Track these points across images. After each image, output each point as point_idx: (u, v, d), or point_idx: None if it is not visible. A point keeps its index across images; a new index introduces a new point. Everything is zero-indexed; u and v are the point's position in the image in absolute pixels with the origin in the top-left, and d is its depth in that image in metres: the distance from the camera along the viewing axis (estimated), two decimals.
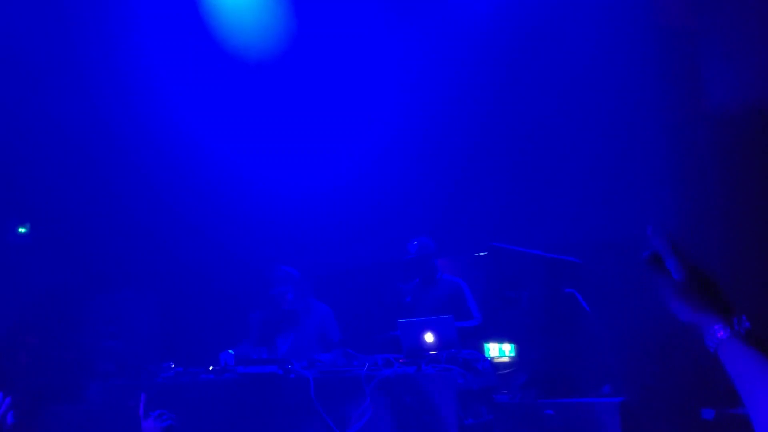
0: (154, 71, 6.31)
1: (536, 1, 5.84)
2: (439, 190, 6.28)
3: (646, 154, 5.38)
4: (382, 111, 6.50)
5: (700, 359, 4.34)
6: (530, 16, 5.85)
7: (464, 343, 4.55)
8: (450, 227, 6.04)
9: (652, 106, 5.32)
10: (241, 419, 4.38)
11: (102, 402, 4.74)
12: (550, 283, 4.42)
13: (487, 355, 4.73)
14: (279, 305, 5.33)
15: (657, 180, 5.29)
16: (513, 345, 4.83)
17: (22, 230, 6.51)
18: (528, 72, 5.92)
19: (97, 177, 6.34)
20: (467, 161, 6.21)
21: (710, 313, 1.30)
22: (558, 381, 4.30)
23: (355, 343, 4.75)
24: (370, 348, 4.68)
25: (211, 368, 4.66)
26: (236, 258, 6.51)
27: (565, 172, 5.76)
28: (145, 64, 6.27)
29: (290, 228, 6.60)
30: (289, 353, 5.03)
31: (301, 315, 5.32)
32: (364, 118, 6.59)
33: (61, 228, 6.36)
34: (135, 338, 5.22)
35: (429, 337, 4.43)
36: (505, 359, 4.86)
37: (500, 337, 4.88)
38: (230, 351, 4.72)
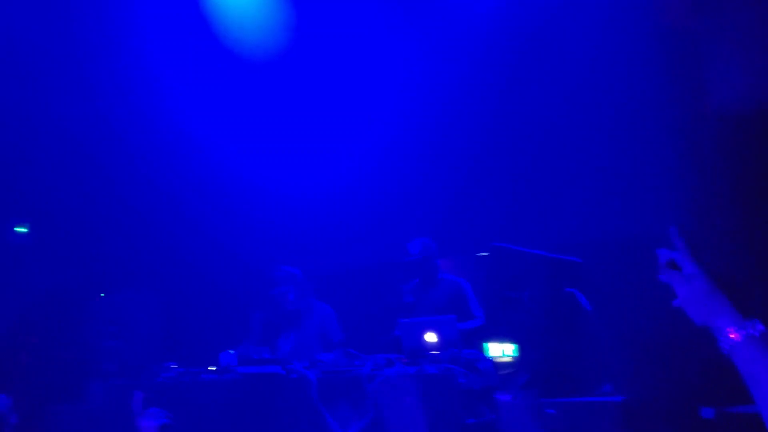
0: (155, 71, 6.31)
1: (539, 1, 5.84)
2: (441, 190, 6.28)
3: (649, 154, 5.38)
4: (383, 111, 6.50)
5: (700, 359, 4.35)
6: (533, 16, 5.85)
7: (466, 343, 4.55)
8: (451, 227, 6.04)
9: (654, 105, 5.32)
10: (243, 419, 4.38)
11: (103, 402, 4.74)
12: (551, 283, 4.42)
13: (488, 355, 4.73)
14: (281, 305, 5.33)
15: (659, 180, 5.29)
16: (514, 345, 4.83)
17: (22, 230, 6.50)
18: (530, 72, 5.92)
19: (98, 176, 6.34)
20: (468, 161, 6.21)
21: (724, 315, 1.36)
22: (559, 380, 4.30)
23: (357, 343, 4.75)
24: (372, 348, 4.68)
25: (212, 368, 4.65)
26: (238, 258, 6.51)
27: (566, 172, 5.77)
28: (146, 63, 6.27)
29: (292, 228, 6.60)
30: (290, 353, 5.04)
31: (302, 315, 5.33)
32: (365, 118, 6.59)
33: (63, 228, 6.36)
34: (136, 338, 5.22)
35: (430, 337, 4.43)
36: (507, 359, 4.86)
37: (501, 337, 4.88)
38: (231, 351, 4.72)
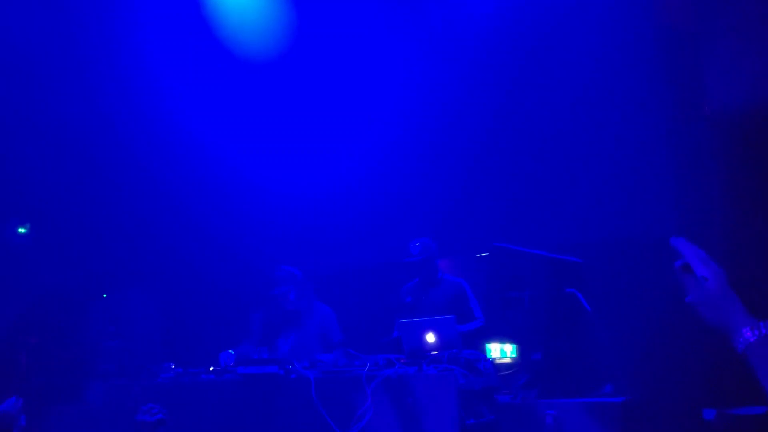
0: (156, 71, 6.31)
1: (540, 3, 5.84)
2: (441, 190, 6.27)
3: (648, 155, 5.38)
4: (384, 112, 6.49)
5: (702, 360, 4.34)
6: (534, 18, 5.85)
7: (466, 344, 4.54)
8: (452, 227, 6.04)
9: (654, 107, 5.32)
10: (242, 419, 4.37)
11: (103, 402, 4.74)
12: (551, 283, 4.42)
13: (488, 356, 4.73)
14: (281, 305, 5.32)
15: (659, 181, 5.29)
16: (515, 345, 4.82)
17: (22, 230, 6.51)
18: (530, 72, 5.92)
19: (98, 177, 6.34)
20: (469, 162, 6.20)
21: (738, 317, 1.40)
22: (559, 381, 4.30)
23: (357, 344, 4.74)
24: (372, 348, 4.67)
25: (211, 369, 4.65)
26: (238, 258, 6.51)
27: (566, 173, 5.76)
28: (147, 64, 6.27)
29: (292, 228, 6.60)
30: (290, 353, 5.03)
31: (302, 315, 5.32)
32: (366, 119, 6.59)
33: (63, 229, 6.36)
34: (136, 338, 5.22)
35: (430, 338, 4.42)
36: (507, 360, 4.86)
37: (502, 338, 4.88)
38: (230, 351, 4.71)
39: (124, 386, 4.65)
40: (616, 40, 5.46)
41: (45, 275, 6.09)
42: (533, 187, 5.93)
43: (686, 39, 5.00)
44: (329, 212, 6.63)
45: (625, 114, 5.52)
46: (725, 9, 4.80)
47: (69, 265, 6.13)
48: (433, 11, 6.23)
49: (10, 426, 2.36)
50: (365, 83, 6.49)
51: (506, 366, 4.77)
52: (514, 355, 4.82)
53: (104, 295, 5.73)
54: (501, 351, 4.87)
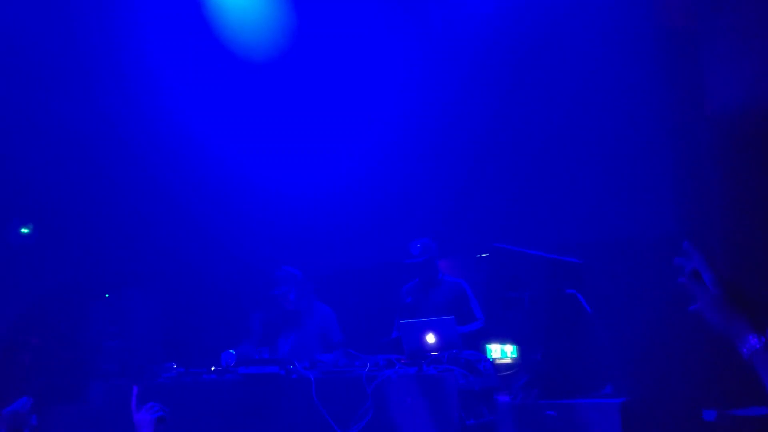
0: (157, 72, 6.33)
1: (540, 3, 5.85)
2: (441, 191, 6.28)
3: (649, 155, 5.38)
4: (384, 112, 6.50)
5: (701, 360, 4.34)
6: (534, 17, 5.85)
7: (466, 344, 4.55)
8: (452, 228, 6.05)
9: (654, 107, 5.32)
10: (243, 419, 4.39)
11: (104, 402, 4.75)
12: (551, 284, 4.42)
13: (488, 356, 4.73)
14: (281, 306, 5.34)
15: (659, 181, 5.29)
16: (515, 346, 4.83)
17: (24, 230, 6.53)
18: (530, 73, 5.93)
19: (99, 177, 6.36)
20: (469, 162, 6.21)
21: (744, 323, 1.45)
22: (559, 382, 4.30)
23: (357, 344, 4.75)
24: (372, 349, 4.68)
25: (213, 368, 4.66)
26: (239, 258, 6.52)
27: (566, 173, 5.77)
28: (148, 64, 6.28)
29: (292, 229, 6.61)
30: (290, 354, 5.04)
31: (302, 316, 5.33)
32: (366, 119, 6.59)
33: (65, 229, 6.38)
34: (137, 338, 5.23)
35: (430, 338, 4.43)
36: (507, 360, 4.86)
37: (502, 338, 4.88)
38: (231, 351, 4.73)
39: (126, 386, 4.66)
40: (616, 40, 5.46)
41: (47, 275, 6.11)
42: (533, 188, 5.93)
43: (686, 39, 5.00)
44: (329, 212, 6.64)
45: (626, 114, 5.52)
46: (725, 8, 4.81)
47: (71, 266, 6.15)
48: (433, 11, 6.23)
49: (22, 426, 2.37)
50: (365, 83, 6.50)
51: (506, 366, 4.77)
52: (514, 356, 4.83)
53: (106, 295, 5.74)
54: (501, 351, 4.88)
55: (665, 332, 4.74)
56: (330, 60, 6.47)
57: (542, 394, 4.32)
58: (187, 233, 6.50)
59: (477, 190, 6.17)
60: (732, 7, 4.79)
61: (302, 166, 6.74)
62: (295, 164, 6.74)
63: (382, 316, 5.39)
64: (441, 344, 4.39)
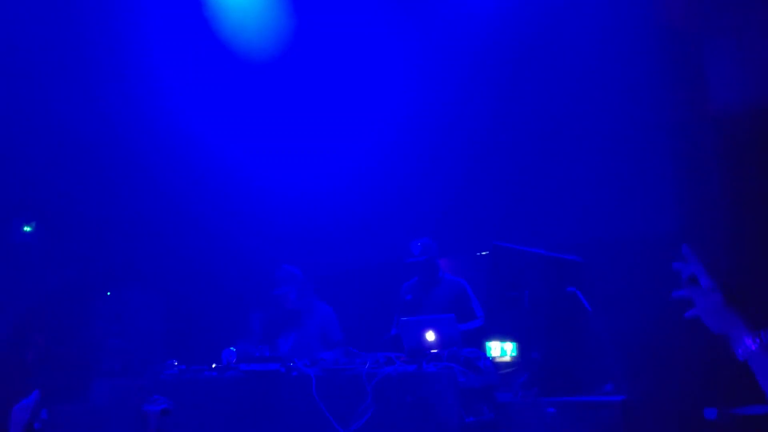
0: (158, 71, 6.35)
1: (540, 2, 5.85)
2: (441, 189, 6.29)
3: (650, 154, 5.38)
4: (384, 110, 6.51)
5: (702, 359, 4.34)
6: (534, 16, 5.86)
7: (466, 342, 4.56)
8: (452, 227, 6.05)
9: (656, 106, 5.32)
10: (244, 417, 4.40)
11: (106, 400, 4.77)
12: (551, 282, 4.42)
13: (488, 354, 4.74)
14: (282, 305, 5.35)
15: (660, 180, 5.29)
16: (515, 344, 4.83)
17: (27, 229, 6.55)
18: (531, 71, 5.93)
19: (101, 176, 6.38)
20: (469, 161, 6.22)
21: (740, 326, 1.50)
22: (559, 379, 4.30)
23: (357, 342, 4.76)
24: (372, 346, 4.69)
25: (214, 366, 4.68)
26: (239, 256, 6.54)
27: (567, 172, 5.77)
28: (149, 64, 6.31)
29: (293, 227, 6.62)
30: (290, 353, 5.05)
31: (303, 315, 5.34)
32: (366, 118, 6.61)
33: (67, 227, 6.40)
34: (139, 336, 5.26)
35: (430, 336, 4.44)
36: (507, 358, 4.87)
37: (502, 336, 4.89)
38: (232, 349, 4.74)
39: (128, 384, 4.69)
40: (617, 40, 5.46)
41: (49, 274, 6.13)
42: (534, 186, 5.94)
43: (687, 38, 5.00)
44: (329, 211, 6.66)
45: (627, 113, 5.52)
46: (727, 8, 4.81)
47: (73, 264, 6.17)
48: (433, 10, 6.24)
49: (32, 420, 2.40)
50: (366, 83, 6.51)
51: (506, 364, 4.77)
52: (514, 354, 4.83)
53: (108, 294, 5.78)
54: (501, 349, 4.88)
55: (666, 330, 4.73)
56: (331, 59, 6.49)
57: (542, 392, 4.32)
58: (188, 232, 6.52)
59: (477, 189, 6.18)
60: (734, 6, 4.79)
61: (303, 165, 6.76)
62: (295, 163, 6.76)
63: (382, 315, 5.40)
64: (441, 342, 4.40)
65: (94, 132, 6.21)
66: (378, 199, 6.42)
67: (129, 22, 6.11)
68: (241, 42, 6.38)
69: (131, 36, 6.16)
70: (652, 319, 4.84)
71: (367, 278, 6.30)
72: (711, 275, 1.54)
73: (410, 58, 6.36)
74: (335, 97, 6.62)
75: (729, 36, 4.78)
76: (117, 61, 6.20)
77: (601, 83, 5.55)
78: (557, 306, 4.43)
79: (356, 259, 6.41)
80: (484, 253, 5.74)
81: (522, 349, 4.71)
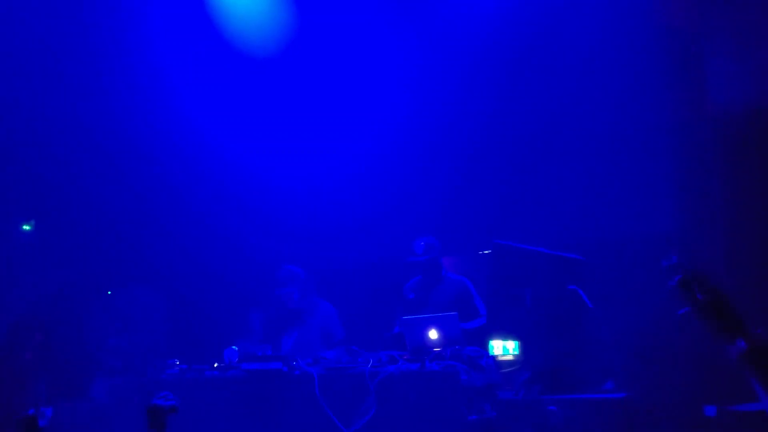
0: (161, 69, 6.34)
1: (540, 2, 5.86)
2: (443, 188, 6.30)
3: (650, 153, 5.40)
4: (386, 109, 6.52)
5: (703, 356, 4.36)
6: (534, 15, 5.87)
7: (469, 341, 4.57)
8: (454, 225, 6.07)
9: (656, 105, 5.34)
10: (246, 416, 4.41)
11: (108, 399, 4.77)
12: (553, 281, 4.43)
13: (491, 353, 4.74)
14: (285, 305, 5.36)
15: (661, 179, 5.31)
16: (517, 342, 4.84)
17: (26, 227, 6.54)
18: (531, 70, 5.94)
19: (103, 174, 6.37)
20: (471, 159, 6.23)
21: (731, 327, 1.58)
22: (561, 377, 4.31)
23: (360, 341, 4.77)
24: (375, 345, 4.70)
25: (216, 365, 4.68)
26: (241, 255, 6.54)
27: (569, 171, 5.79)
28: (151, 61, 6.30)
29: (295, 225, 6.63)
30: (293, 351, 5.06)
31: (305, 313, 5.35)
32: (368, 116, 6.61)
33: (68, 225, 6.39)
34: (141, 335, 5.25)
35: (433, 334, 4.45)
36: (509, 357, 4.87)
37: (504, 335, 4.89)
38: (234, 348, 4.75)
39: (129, 383, 4.69)
40: (618, 39, 5.48)
41: (50, 272, 6.12)
42: (535, 185, 5.95)
43: (688, 38, 5.01)
44: (331, 210, 6.66)
45: (627, 113, 5.54)
46: (727, 7, 4.82)
47: (74, 262, 6.16)
48: (433, 9, 6.25)
49: (36, 419, 2.41)
50: (367, 81, 6.51)
51: (508, 363, 4.78)
52: (516, 352, 4.84)
53: (109, 292, 5.77)
54: (503, 348, 4.89)
55: (666, 328, 4.75)
56: (332, 57, 6.49)
57: (544, 390, 4.33)
58: (190, 230, 6.52)
59: (479, 188, 6.19)
60: (734, 5, 4.81)
61: (305, 163, 6.76)
62: (297, 161, 6.76)
63: (385, 313, 5.40)
64: (443, 340, 4.41)
65: (95, 129, 6.21)
66: (380, 197, 6.43)
67: (132, 20, 6.11)
68: (244, 39, 6.38)
69: (134, 34, 6.16)
70: (653, 317, 4.86)
71: (370, 276, 6.30)
72: (703, 280, 1.61)
73: (413, 57, 6.37)
74: (338, 95, 6.62)
75: (729, 36, 4.79)
76: (119, 60, 6.19)
77: (601, 83, 5.57)
78: (559, 304, 4.43)
79: (358, 257, 6.42)
80: (485, 251, 5.75)
81: (524, 348, 4.72)
